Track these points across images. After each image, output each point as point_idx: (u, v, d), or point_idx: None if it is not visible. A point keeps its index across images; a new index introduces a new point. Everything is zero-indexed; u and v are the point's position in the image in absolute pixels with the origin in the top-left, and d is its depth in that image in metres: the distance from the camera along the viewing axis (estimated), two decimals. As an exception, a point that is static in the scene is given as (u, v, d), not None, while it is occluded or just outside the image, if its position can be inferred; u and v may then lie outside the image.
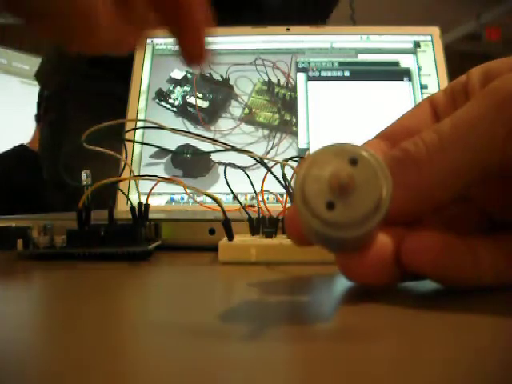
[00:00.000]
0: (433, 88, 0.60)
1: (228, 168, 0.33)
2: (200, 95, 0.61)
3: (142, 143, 0.31)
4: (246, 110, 0.60)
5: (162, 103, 0.61)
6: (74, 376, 0.11)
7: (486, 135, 0.17)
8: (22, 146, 1.65)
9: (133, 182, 0.37)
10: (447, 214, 0.20)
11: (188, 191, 0.32)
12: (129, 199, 0.30)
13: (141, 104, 0.60)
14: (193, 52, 0.24)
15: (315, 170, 0.16)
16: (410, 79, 0.61)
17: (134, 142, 0.35)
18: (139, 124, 0.57)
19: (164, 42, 0.63)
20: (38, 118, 1.00)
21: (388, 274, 0.18)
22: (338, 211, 0.15)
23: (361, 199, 0.15)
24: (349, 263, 0.18)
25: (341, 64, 0.62)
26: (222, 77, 0.62)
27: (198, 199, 0.52)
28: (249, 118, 0.60)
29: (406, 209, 0.18)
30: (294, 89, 0.61)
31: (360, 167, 0.16)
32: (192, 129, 0.59)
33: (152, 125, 0.24)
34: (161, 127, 0.24)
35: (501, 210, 0.20)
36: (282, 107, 0.60)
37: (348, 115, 0.60)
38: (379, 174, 0.16)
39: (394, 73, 0.62)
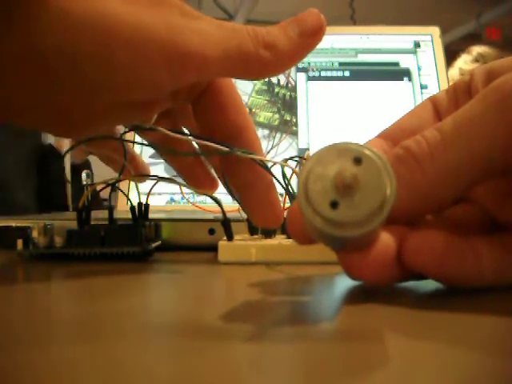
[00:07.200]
0: (433, 88, 0.60)
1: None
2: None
3: (142, 144, 0.31)
4: (246, 110, 0.60)
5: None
6: (73, 376, 0.11)
7: (488, 134, 0.17)
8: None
9: (133, 181, 0.37)
10: (449, 213, 0.20)
11: (185, 191, 0.32)
12: (129, 199, 0.30)
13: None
14: (267, 220, 0.26)
15: (319, 169, 0.16)
16: (410, 79, 0.61)
17: (133, 142, 0.35)
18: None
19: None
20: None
21: (390, 272, 0.18)
22: (341, 210, 0.15)
23: (365, 198, 0.15)
24: (351, 262, 0.17)
25: (341, 64, 0.62)
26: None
27: (198, 199, 0.52)
28: (249, 118, 0.60)
29: (409, 208, 0.18)
30: (294, 89, 0.61)
31: (364, 166, 0.15)
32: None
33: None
34: (159, 128, 0.23)
35: (502, 210, 0.20)
36: (281, 107, 0.60)
37: (348, 115, 0.60)
38: (383, 174, 0.15)
39: (393, 73, 0.62)
